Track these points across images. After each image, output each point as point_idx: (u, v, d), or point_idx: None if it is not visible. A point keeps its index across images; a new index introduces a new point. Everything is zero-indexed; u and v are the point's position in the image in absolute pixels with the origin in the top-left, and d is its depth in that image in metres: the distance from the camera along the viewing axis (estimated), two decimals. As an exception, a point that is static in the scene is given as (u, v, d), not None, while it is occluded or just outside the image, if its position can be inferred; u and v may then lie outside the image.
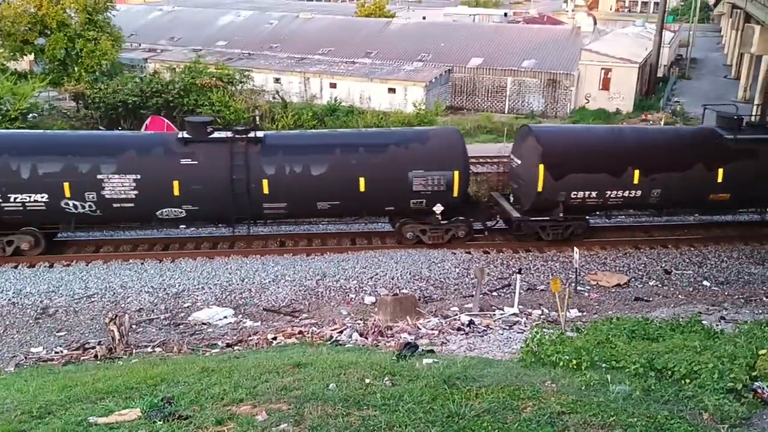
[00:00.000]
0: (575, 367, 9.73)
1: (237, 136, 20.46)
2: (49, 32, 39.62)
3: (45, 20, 39.31)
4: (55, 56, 39.46)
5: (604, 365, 9.90)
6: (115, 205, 19.83)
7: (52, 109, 34.93)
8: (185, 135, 20.42)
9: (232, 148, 20.21)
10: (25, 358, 15.56)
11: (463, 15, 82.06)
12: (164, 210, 20.23)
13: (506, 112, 48.51)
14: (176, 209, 20.28)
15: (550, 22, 77.85)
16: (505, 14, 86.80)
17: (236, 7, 72.43)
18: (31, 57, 42.82)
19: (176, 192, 19.85)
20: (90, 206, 19.75)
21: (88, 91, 34.93)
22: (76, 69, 39.59)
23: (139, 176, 19.65)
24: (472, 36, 55.78)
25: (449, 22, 71.20)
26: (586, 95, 47.83)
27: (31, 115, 27.63)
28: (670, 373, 9.33)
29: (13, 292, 18.72)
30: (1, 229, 20.21)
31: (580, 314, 17.47)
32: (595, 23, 61.48)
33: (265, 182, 20.15)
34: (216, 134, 20.71)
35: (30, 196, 19.43)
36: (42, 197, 19.47)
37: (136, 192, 19.70)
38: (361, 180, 20.43)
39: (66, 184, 19.43)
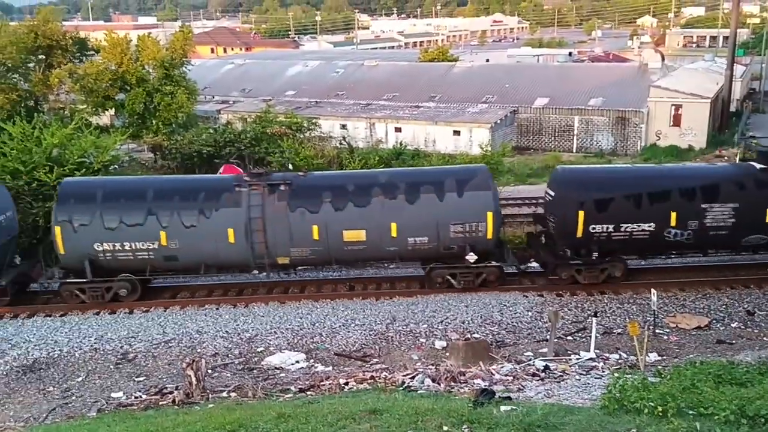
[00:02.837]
0: (661, 414, 9.36)
1: None
2: (128, 88, 41.58)
3: (125, 77, 41.34)
4: (134, 110, 41.32)
5: (691, 412, 9.49)
6: (711, 232, 21.38)
7: (132, 161, 36.50)
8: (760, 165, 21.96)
9: None
10: (107, 403, 15.97)
11: (527, 56, 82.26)
12: (752, 236, 21.59)
13: (574, 151, 47.96)
14: (763, 236, 21.53)
15: (616, 59, 77.12)
16: (570, 54, 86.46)
17: (304, 58, 74.60)
18: (112, 112, 44.97)
19: None
20: (688, 234, 21.31)
21: (166, 142, 36.37)
22: (153, 122, 41.30)
23: (737, 205, 21.16)
24: (537, 76, 55.74)
25: (513, 63, 71.43)
26: (657, 132, 46.86)
27: (112, 166, 28.88)
28: (763, 420, 8.87)
29: (95, 338, 19.37)
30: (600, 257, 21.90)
31: (660, 358, 16.83)
32: (663, 59, 60.57)
33: None
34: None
35: (639, 225, 21.09)
36: (649, 226, 21.07)
37: (732, 220, 21.22)
38: None
39: (673, 214, 21.06)
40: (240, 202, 20.70)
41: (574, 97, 50.07)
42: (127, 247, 20.59)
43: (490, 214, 20.97)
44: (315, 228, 20.65)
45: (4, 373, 17.60)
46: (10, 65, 38.43)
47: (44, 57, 40.55)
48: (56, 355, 18.52)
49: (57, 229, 20.45)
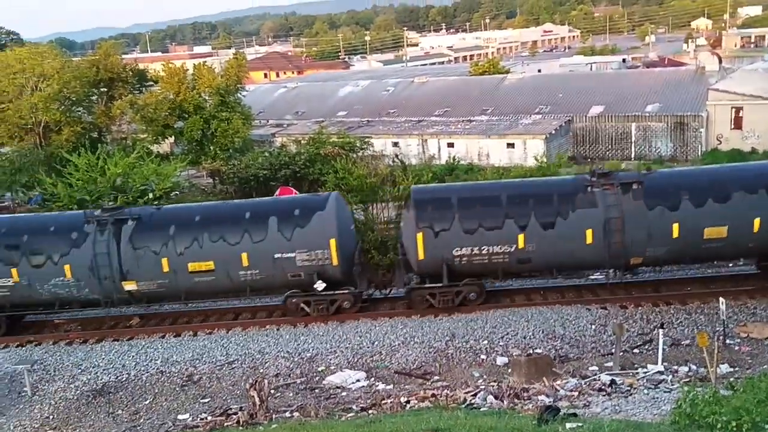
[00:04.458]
0: (735, 429, 9.02)
1: None
2: (186, 116, 42.77)
3: (183, 105, 42.56)
4: (192, 137, 42.44)
5: (767, 427, 9.09)
6: None
7: (191, 187, 37.43)
8: None
9: None
10: (173, 425, 16.33)
11: (580, 64, 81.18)
12: None
13: (633, 159, 46.95)
14: None
15: (672, 64, 75.41)
16: (624, 60, 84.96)
17: (355, 78, 75.40)
18: (172, 139, 46.29)
19: None
20: None
21: (223, 167, 37.21)
22: (211, 148, 42.32)
23: None
24: (591, 84, 54.97)
25: (566, 72, 70.63)
26: (718, 136, 45.51)
27: (173, 193, 29.72)
28: None
29: (161, 361, 19.82)
30: None
31: (732, 370, 16.25)
32: (720, 61, 58.98)
33: None
34: None
35: None
36: None
37: None
38: None
39: None
40: (596, 202, 20.80)
41: (630, 104, 49.13)
42: (484, 251, 20.83)
43: None
44: (675, 226, 20.43)
45: (75, 397, 18.17)
46: (74, 99, 40.03)
47: (106, 89, 42.13)
48: (124, 379, 19.02)
49: (419, 236, 20.78)
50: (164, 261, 21.04)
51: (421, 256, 20.91)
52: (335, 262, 21.09)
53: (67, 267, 21.13)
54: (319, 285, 21.25)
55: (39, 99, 37.23)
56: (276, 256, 20.99)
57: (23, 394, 18.40)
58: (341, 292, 21.81)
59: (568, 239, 20.62)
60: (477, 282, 21.57)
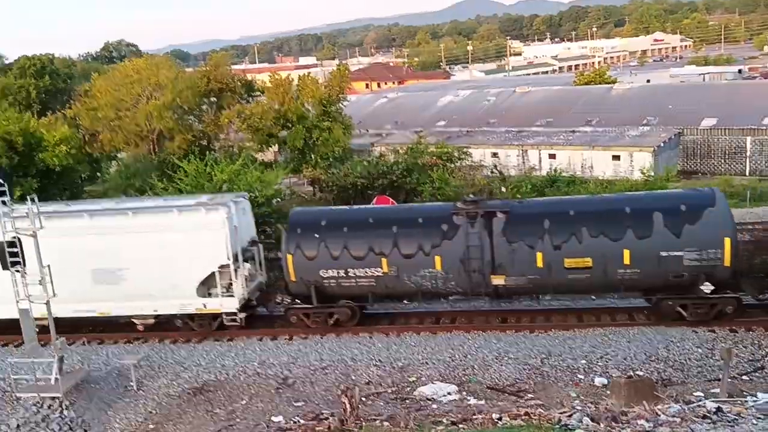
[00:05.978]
0: None
1: None
2: (290, 125, 44.02)
3: (287, 115, 43.83)
4: (295, 146, 43.62)
5: None
6: None
7: (293, 194, 38.40)
8: None
9: None
10: (267, 426, 16.69)
11: (692, 75, 77.80)
12: None
13: (747, 174, 44.39)
14: None
15: (795, 74, 70.84)
16: (740, 71, 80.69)
17: (455, 88, 75.26)
18: (275, 148, 47.70)
19: None
20: None
21: (323, 175, 37.98)
22: (312, 156, 43.35)
23: None
24: (703, 96, 52.59)
25: (676, 83, 67.86)
26: None
27: (275, 200, 30.52)
28: None
29: (258, 363, 20.34)
30: None
31: None
32: None
33: None
34: None
35: None
36: None
37: None
38: None
39: None
40: None
41: (746, 117, 46.56)
42: None
43: None
44: None
45: (177, 394, 18.92)
46: (186, 108, 41.98)
47: (215, 99, 43.94)
48: (223, 379, 19.63)
49: None
50: (539, 255, 20.44)
51: None
52: (728, 262, 19.73)
53: (438, 258, 21.00)
54: (707, 287, 19.95)
55: (154, 108, 39.25)
56: (662, 254, 19.87)
57: (129, 388, 19.34)
58: (727, 296, 20.28)
59: None
60: None
